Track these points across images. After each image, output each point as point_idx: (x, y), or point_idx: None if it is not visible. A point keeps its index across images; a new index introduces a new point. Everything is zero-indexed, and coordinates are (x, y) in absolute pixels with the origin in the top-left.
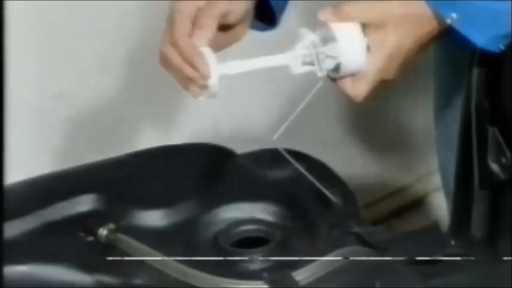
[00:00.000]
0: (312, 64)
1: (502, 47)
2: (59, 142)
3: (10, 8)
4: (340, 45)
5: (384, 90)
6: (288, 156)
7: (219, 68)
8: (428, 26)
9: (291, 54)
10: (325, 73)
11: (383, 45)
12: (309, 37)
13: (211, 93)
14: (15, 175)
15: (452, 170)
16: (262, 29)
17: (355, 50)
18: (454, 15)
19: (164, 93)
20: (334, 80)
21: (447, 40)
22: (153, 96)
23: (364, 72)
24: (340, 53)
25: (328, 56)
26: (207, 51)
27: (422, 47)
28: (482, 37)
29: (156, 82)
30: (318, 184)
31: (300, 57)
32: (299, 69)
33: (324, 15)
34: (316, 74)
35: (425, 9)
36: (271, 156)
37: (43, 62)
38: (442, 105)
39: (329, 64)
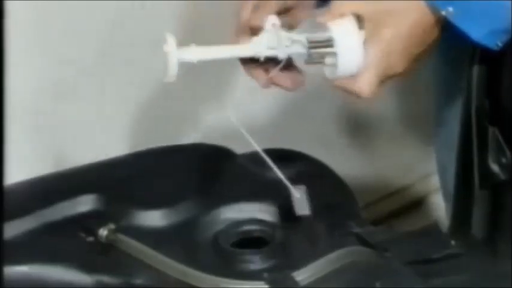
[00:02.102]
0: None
1: (499, 43)
2: (58, 142)
3: (10, 8)
4: (338, 46)
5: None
6: (267, 159)
7: (179, 52)
8: (424, 15)
9: (255, 40)
10: (286, 56)
11: (379, 36)
12: (270, 20)
13: (169, 75)
14: (15, 175)
15: (451, 170)
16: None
17: (352, 49)
18: (450, 9)
19: (163, 93)
20: (333, 83)
21: (447, 38)
22: (151, 96)
23: (365, 66)
24: (338, 54)
25: (294, 41)
26: (169, 37)
27: (426, 36)
28: (479, 31)
29: (154, 82)
30: (286, 182)
31: (265, 42)
32: (264, 52)
33: (321, 17)
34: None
35: (420, 3)
36: (271, 156)
37: (43, 62)
38: (442, 105)
39: (297, 49)
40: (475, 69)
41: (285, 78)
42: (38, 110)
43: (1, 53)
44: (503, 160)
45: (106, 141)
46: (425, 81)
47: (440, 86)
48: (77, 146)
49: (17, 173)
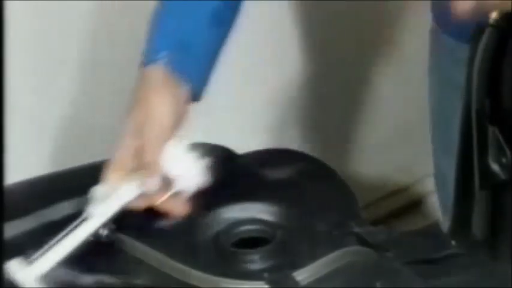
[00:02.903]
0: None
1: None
2: (58, 143)
3: (10, 8)
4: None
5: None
6: None
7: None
8: None
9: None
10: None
11: None
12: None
13: None
14: (15, 175)
15: (449, 174)
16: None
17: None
18: None
19: None
20: None
21: (446, 38)
22: None
23: None
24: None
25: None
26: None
27: None
28: None
29: None
30: None
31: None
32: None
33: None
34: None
35: None
36: (271, 156)
37: (43, 62)
38: (441, 105)
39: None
40: (476, 69)
41: (176, 203)
42: (39, 110)
43: (1, 53)
44: (503, 160)
45: (106, 142)
46: (425, 81)
47: (440, 85)
48: (77, 146)
49: (17, 173)
